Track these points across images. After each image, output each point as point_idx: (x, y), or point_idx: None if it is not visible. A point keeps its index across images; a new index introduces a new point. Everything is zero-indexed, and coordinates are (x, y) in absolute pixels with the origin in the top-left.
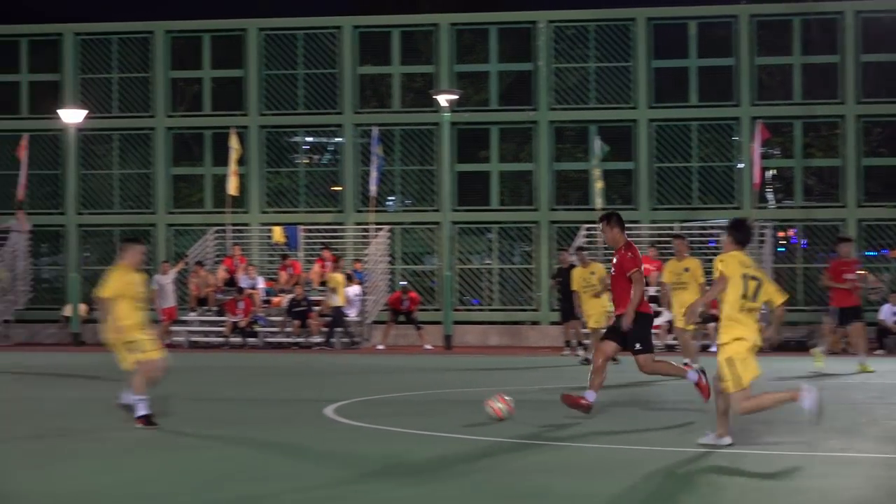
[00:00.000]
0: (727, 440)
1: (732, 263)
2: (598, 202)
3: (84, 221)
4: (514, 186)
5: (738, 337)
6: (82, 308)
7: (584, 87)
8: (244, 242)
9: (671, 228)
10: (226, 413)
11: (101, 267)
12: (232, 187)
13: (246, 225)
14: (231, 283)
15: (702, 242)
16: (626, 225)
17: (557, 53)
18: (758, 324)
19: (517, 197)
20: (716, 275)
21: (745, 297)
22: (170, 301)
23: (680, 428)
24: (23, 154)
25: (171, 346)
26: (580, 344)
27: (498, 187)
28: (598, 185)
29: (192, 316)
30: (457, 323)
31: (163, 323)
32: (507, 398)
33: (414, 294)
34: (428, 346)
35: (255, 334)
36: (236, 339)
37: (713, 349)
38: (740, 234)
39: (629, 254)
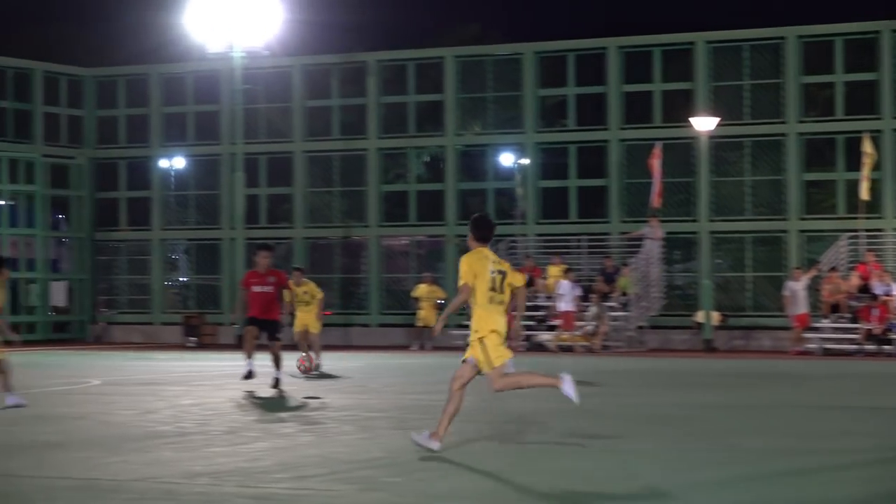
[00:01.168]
0: (437, 446)
1: (479, 260)
2: None
3: (715, 228)
4: None
5: (493, 329)
6: (714, 315)
7: None
8: (878, 248)
9: None
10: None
11: (733, 274)
12: (864, 192)
13: (880, 230)
14: (865, 289)
15: None
16: None
17: None
18: (505, 316)
19: None
20: (462, 276)
21: (493, 290)
22: (802, 307)
23: None
24: (655, 162)
25: (804, 354)
26: None
27: None
28: None
29: (824, 323)
30: None
31: (795, 329)
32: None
33: None
34: None
35: (889, 342)
36: (871, 347)
37: None
38: (481, 230)
39: None
